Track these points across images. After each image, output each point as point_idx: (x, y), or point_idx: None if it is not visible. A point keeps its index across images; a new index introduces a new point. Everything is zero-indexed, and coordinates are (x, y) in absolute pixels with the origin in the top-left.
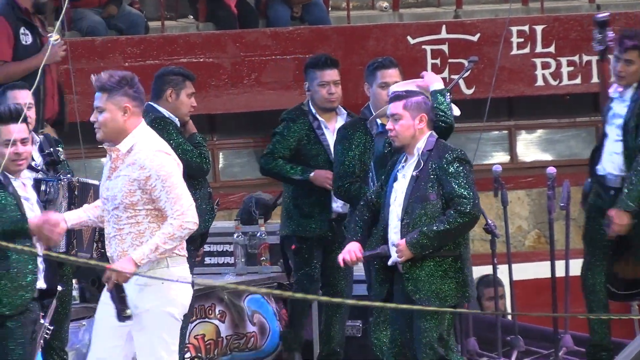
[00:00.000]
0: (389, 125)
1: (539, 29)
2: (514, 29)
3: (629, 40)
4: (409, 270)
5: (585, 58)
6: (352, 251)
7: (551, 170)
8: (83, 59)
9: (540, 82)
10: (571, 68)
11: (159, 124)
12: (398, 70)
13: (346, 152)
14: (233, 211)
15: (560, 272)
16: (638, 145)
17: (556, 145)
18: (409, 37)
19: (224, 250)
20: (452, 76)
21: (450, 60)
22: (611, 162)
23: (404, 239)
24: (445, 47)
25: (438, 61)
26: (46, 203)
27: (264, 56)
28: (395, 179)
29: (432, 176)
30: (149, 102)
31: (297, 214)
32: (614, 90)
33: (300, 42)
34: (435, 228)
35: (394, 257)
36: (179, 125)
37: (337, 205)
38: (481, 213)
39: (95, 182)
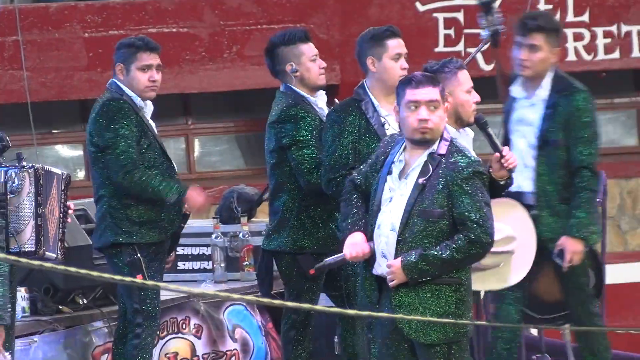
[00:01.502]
0: (425, 114)
1: None
2: None
3: (531, 21)
4: (400, 298)
5: (625, 28)
6: (358, 244)
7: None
8: (35, 29)
9: (572, 56)
10: (608, 40)
11: (108, 106)
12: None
13: (337, 139)
14: (211, 208)
15: None
16: (578, 163)
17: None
18: (417, 4)
19: (200, 253)
20: (469, 50)
21: (466, 31)
22: (527, 178)
23: (399, 260)
24: (460, 15)
25: (452, 32)
26: (8, 195)
27: (248, 25)
28: (389, 172)
29: (441, 188)
30: (113, 79)
31: (311, 226)
32: (517, 88)
33: (290, 10)
34: (439, 254)
35: (383, 272)
36: (140, 104)
37: None
38: (493, 233)
39: (58, 171)
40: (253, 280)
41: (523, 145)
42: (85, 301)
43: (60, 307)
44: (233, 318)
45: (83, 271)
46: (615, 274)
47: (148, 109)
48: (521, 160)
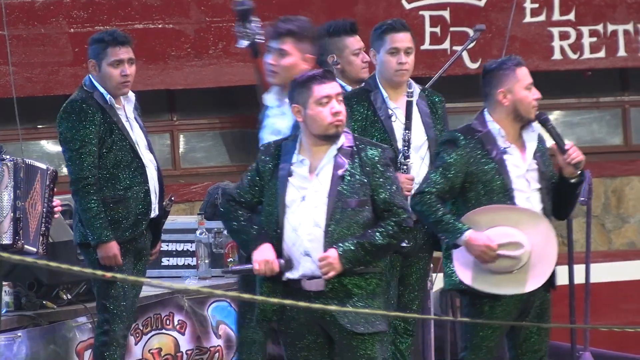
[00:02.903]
0: (337, 107)
1: None
2: None
3: (283, 25)
4: (333, 289)
5: (611, 27)
6: (269, 262)
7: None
8: (21, 24)
9: (557, 55)
10: (594, 39)
11: (71, 107)
12: (410, 35)
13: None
14: (195, 204)
15: (579, 279)
16: None
17: (576, 129)
18: (404, 1)
19: (185, 249)
20: (455, 47)
21: (452, 29)
22: None
23: (334, 250)
24: (446, 13)
25: (438, 30)
26: None
27: (234, 22)
28: (289, 174)
29: (361, 177)
30: (89, 75)
31: None
32: (271, 97)
33: (276, 6)
34: (373, 240)
35: (306, 271)
36: (110, 102)
37: None
38: (409, 210)
39: (43, 165)
40: (237, 276)
41: None
42: (69, 296)
43: (44, 302)
44: (217, 314)
45: (64, 266)
46: (600, 272)
47: (129, 102)
48: None
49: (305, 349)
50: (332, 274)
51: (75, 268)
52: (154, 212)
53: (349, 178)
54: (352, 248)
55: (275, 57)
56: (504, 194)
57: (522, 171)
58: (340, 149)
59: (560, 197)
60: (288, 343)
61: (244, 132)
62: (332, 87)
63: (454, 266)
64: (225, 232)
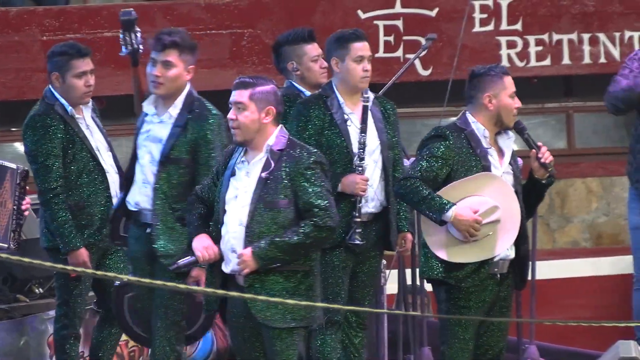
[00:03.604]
0: (230, 115)
1: (504, 3)
2: (477, 3)
3: (166, 37)
4: (252, 285)
5: (556, 37)
6: (209, 247)
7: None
8: None
9: (505, 62)
10: (540, 48)
11: (33, 122)
12: (368, 44)
13: (301, 131)
14: None
15: None
16: None
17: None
18: (359, 11)
19: None
20: (408, 55)
21: (405, 38)
22: (146, 195)
23: (249, 249)
24: (399, 23)
25: (391, 38)
26: None
27: (198, 30)
28: (233, 174)
29: (285, 180)
30: (49, 87)
31: None
32: (148, 104)
33: (238, 16)
34: (287, 239)
35: (234, 266)
36: (71, 113)
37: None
38: (338, 219)
39: (13, 165)
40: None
41: (146, 161)
42: (41, 290)
43: (17, 295)
44: None
45: (36, 261)
46: (544, 270)
47: (87, 109)
48: (142, 176)
49: (245, 340)
50: (246, 271)
51: (47, 264)
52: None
53: (273, 179)
54: (266, 247)
55: (161, 69)
56: None
57: (499, 173)
58: (270, 151)
59: (528, 198)
60: (231, 335)
61: None
62: (234, 95)
63: (432, 247)
64: None
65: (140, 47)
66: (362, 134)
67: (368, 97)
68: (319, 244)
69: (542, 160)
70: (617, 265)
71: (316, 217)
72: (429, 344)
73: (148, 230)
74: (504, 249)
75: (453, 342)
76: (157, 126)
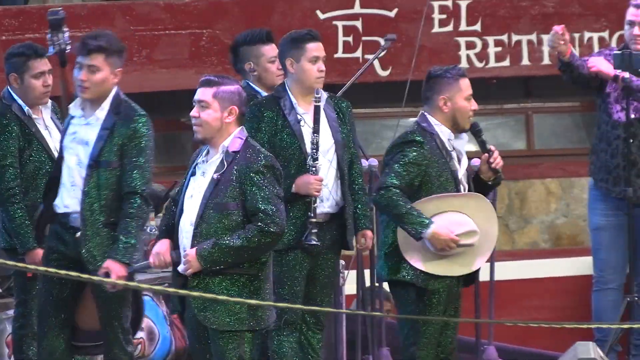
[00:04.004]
0: (193, 112)
1: (463, 4)
2: (436, 4)
3: (92, 41)
4: (197, 286)
5: (515, 38)
6: (161, 253)
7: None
8: None
9: (464, 63)
10: (499, 48)
11: None
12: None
13: (254, 132)
14: None
15: (484, 276)
16: (129, 188)
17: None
18: (318, 12)
19: None
20: (367, 56)
21: (364, 38)
22: (74, 197)
23: (194, 249)
24: (358, 24)
25: (350, 39)
26: None
27: (157, 31)
28: (193, 173)
29: (234, 183)
30: (7, 88)
31: None
32: (74, 106)
33: (196, 16)
34: (230, 242)
35: (182, 266)
36: (28, 113)
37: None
38: (284, 225)
39: None
40: (159, 271)
41: (74, 164)
42: (0, 290)
43: None
44: None
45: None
46: (503, 270)
47: (46, 109)
48: (71, 179)
49: (198, 341)
50: (189, 271)
51: (10, 263)
52: None
53: (223, 181)
54: (209, 248)
55: (86, 73)
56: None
57: (460, 174)
58: (225, 152)
59: None
60: (187, 336)
61: (167, 135)
62: (198, 93)
63: (407, 258)
64: (148, 229)
65: (68, 47)
66: (315, 134)
67: (320, 97)
68: (263, 249)
69: (493, 165)
70: (576, 266)
71: (261, 222)
72: (388, 345)
73: (77, 234)
74: (480, 265)
75: (423, 341)
76: (84, 128)
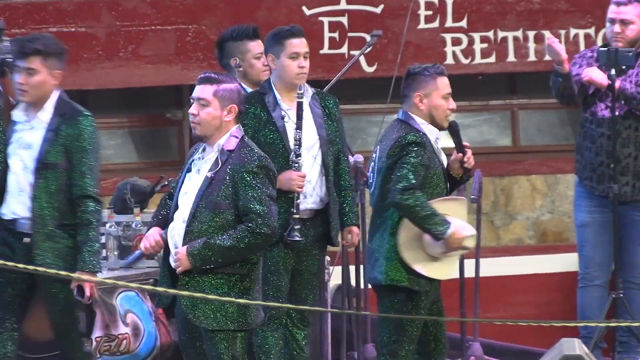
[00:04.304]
0: (192, 109)
1: (449, 0)
2: (422, 0)
3: (28, 44)
4: (188, 284)
5: (501, 34)
6: (149, 235)
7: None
8: None
9: (450, 60)
10: (485, 45)
11: None
12: (305, 40)
13: None
14: (105, 198)
15: (469, 273)
16: (80, 191)
17: (467, 130)
18: (304, 8)
19: None
20: (352, 52)
21: (350, 34)
22: (22, 203)
23: (185, 247)
24: (344, 20)
25: (336, 35)
26: None
27: (143, 26)
28: (189, 169)
29: (227, 181)
30: None
31: None
32: (19, 112)
33: (183, 11)
34: (221, 242)
35: (172, 263)
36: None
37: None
38: (276, 226)
39: None
40: (144, 268)
41: (19, 169)
42: None
43: None
44: (125, 303)
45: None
46: (488, 267)
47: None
48: (17, 185)
49: (187, 339)
50: (180, 269)
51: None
52: None
53: (216, 180)
54: (200, 247)
55: (24, 77)
56: (442, 190)
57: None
58: (221, 151)
59: None
60: (178, 332)
61: (152, 131)
62: (196, 90)
63: (409, 262)
64: (133, 225)
65: (7, 57)
66: (298, 130)
67: (302, 93)
68: (253, 249)
69: (466, 165)
70: (561, 262)
71: (252, 223)
72: (373, 341)
73: (26, 239)
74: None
75: (405, 340)
76: (28, 132)
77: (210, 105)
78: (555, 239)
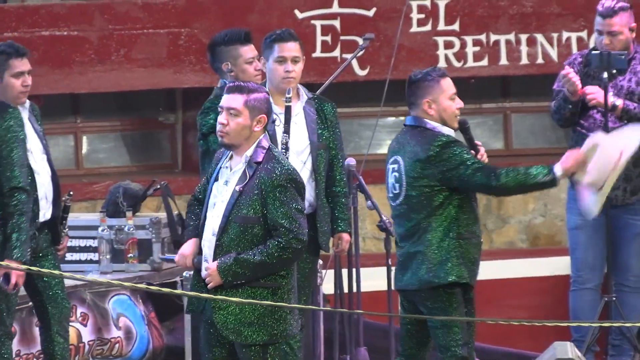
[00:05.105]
0: (221, 119)
1: (441, 4)
2: (414, 3)
3: None
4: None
5: (493, 37)
6: (185, 256)
7: None
8: None
9: (442, 63)
10: (477, 48)
11: None
12: (299, 45)
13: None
14: (98, 202)
15: None
16: (9, 184)
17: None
18: (296, 11)
19: (87, 245)
20: (345, 55)
21: (342, 38)
22: None
23: (215, 262)
24: (337, 23)
25: (329, 38)
26: None
27: (135, 30)
28: (216, 178)
29: (256, 194)
30: None
31: None
32: None
33: (175, 15)
34: (251, 258)
35: (204, 276)
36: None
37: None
38: (305, 240)
39: None
40: (137, 271)
41: None
42: None
43: None
44: (117, 307)
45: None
46: (481, 270)
47: (24, 110)
48: None
49: (209, 348)
50: (211, 284)
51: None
52: (44, 217)
53: (245, 193)
54: (228, 263)
55: None
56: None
57: None
58: (248, 163)
59: None
60: (202, 338)
61: (144, 134)
62: (226, 99)
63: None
64: (126, 228)
65: None
66: (285, 134)
67: (290, 97)
68: (283, 264)
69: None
70: (553, 266)
71: (281, 238)
72: (365, 344)
73: None
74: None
75: (472, 344)
76: None
77: (240, 115)
78: (547, 243)
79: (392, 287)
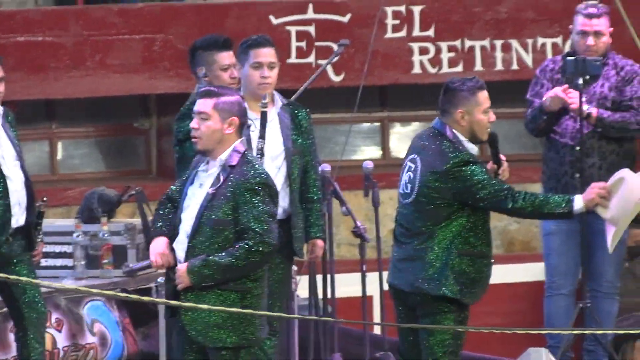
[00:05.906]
0: (193, 124)
1: (416, 9)
2: (389, 9)
3: None
4: (187, 301)
5: (468, 43)
6: (165, 255)
7: None
8: None
9: (417, 69)
10: (452, 54)
11: None
12: (274, 50)
13: None
14: (72, 208)
15: None
16: None
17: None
18: (271, 17)
19: (62, 251)
20: (320, 61)
21: (317, 44)
22: None
23: (185, 264)
24: (312, 29)
25: (304, 44)
26: None
27: (110, 35)
28: (192, 182)
29: (228, 197)
30: None
31: None
32: None
33: (150, 21)
34: (219, 260)
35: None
36: None
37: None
38: (274, 244)
39: None
40: (112, 277)
41: None
42: None
43: None
44: (92, 313)
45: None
46: None
47: None
48: None
49: (184, 352)
50: (181, 286)
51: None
52: (17, 223)
53: (218, 196)
54: (199, 264)
55: None
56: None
57: None
58: (222, 166)
59: None
60: (176, 343)
61: (119, 140)
62: (199, 104)
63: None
64: (101, 234)
65: None
66: (260, 140)
67: (266, 103)
68: (252, 267)
69: (501, 177)
70: (528, 272)
71: (250, 241)
72: (340, 350)
73: None
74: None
75: (458, 354)
76: None
77: (210, 118)
78: (522, 249)
79: (385, 283)
